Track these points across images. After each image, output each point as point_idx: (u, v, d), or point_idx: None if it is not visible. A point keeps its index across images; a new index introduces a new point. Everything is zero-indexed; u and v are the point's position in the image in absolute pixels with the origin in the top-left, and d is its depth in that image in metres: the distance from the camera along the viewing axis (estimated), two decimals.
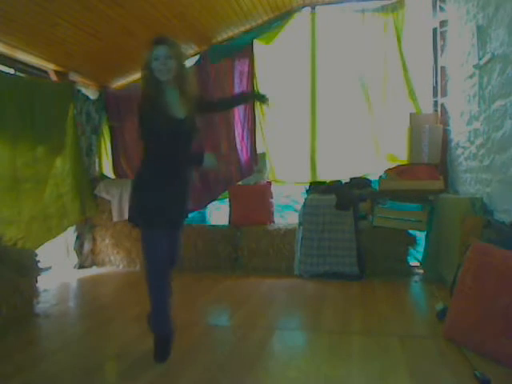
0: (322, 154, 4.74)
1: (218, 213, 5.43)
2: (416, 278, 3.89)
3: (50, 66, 4.32)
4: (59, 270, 4.43)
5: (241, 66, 4.81)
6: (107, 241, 4.67)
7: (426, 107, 4.43)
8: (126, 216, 4.44)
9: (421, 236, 4.12)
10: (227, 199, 4.74)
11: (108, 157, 5.12)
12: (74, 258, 4.55)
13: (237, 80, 4.81)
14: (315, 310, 3.04)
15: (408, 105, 4.40)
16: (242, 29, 4.79)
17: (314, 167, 4.75)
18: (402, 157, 4.38)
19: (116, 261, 4.67)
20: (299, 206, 4.27)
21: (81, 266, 4.56)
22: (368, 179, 4.35)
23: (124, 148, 5.07)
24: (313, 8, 4.70)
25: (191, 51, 4.86)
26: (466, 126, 3.59)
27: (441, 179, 3.97)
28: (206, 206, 4.98)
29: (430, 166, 4.10)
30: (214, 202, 5.00)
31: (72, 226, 4.43)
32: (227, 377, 2.03)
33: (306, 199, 4.11)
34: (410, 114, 4.29)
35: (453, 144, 4.06)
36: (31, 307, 3.00)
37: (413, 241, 3.98)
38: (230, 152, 4.72)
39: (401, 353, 2.24)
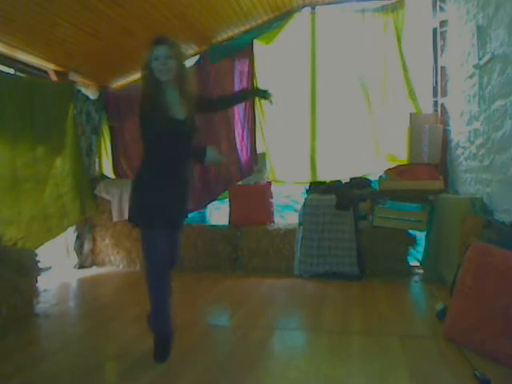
0: (321, 154, 4.74)
1: (217, 213, 5.43)
2: (416, 278, 3.89)
3: (50, 66, 4.32)
4: (59, 270, 4.43)
5: (241, 66, 4.81)
6: (107, 241, 4.67)
7: (426, 107, 4.43)
8: (126, 216, 4.44)
9: (421, 236, 4.12)
10: (227, 199, 4.74)
11: (108, 157, 5.12)
12: (74, 258, 4.55)
13: (237, 80, 4.81)
14: (315, 310, 3.04)
15: (408, 105, 4.41)
16: (242, 29, 4.79)
17: (314, 167, 4.75)
18: (402, 157, 4.38)
19: (116, 261, 4.67)
20: (299, 206, 4.27)
21: (81, 266, 4.56)
22: (368, 179, 4.35)
23: (124, 148, 5.07)
24: (313, 8, 4.70)
25: (191, 51, 4.86)
26: (466, 126, 3.59)
27: (441, 179, 3.97)
28: (205, 206, 4.98)
29: (430, 166, 4.10)
30: (214, 202, 5.00)
31: (72, 225, 4.43)
32: (227, 377, 2.03)
33: (305, 199, 4.11)
34: (410, 114, 4.29)
35: (453, 144, 4.06)
36: (31, 307, 3.00)
37: (413, 241, 3.98)
38: (230, 152, 4.72)
39: (401, 353, 2.24)
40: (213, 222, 5.23)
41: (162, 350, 2.21)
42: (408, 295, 3.57)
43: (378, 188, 4.12)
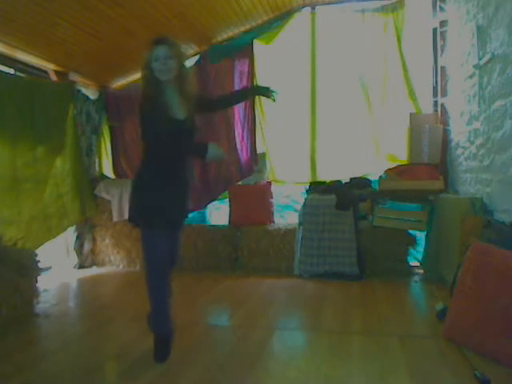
0: (321, 154, 4.74)
1: (218, 213, 5.43)
2: (416, 278, 3.89)
3: (50, 66, 4.32)
4: (59, 270, 4.43)
5: (241, 66, 4.81)
6: (107, 241, 4.67)
7: (426, 107, 4.43)
8: (126, 216, 4.44)
9: (421, 236, 4.12)
10: (227, 199, 4.74)
11: (108, 157, 5.12)
12: (74, 258, 4.55)
13: (237, 80, 4.81)
14: (315, 310, 3.04)
15: (408, 105, 4.41)
16: (242, 29, 4.79)
17: (314, 167, 4.75)
18: (402, 157, 4.38)
19: (116, 261, 4.67)
20: (299, 206, 4.27)
21: (81, 266, 4.56)
22: (368, 179, 4.35)
23: (124, 148, 5.07)
24: (313, 8, 4.70)
25: (191, 51, 4.86)
26: (466, 126, 3.59)
27: (441, 179, 3.97)
28: (206, 205, 4.98)
29: (430, 166, 4.10)
30: (214, 202, 5.00)
31: (72, 225, 4.43)
32: (227, 377, 2.03)
33: (305, 199, 4.11)
34: (410, 114, 4.29)
35: (453, 144, 4.06)
36: (31, 307, 3.00)
37: (413, 241, 3.98)
38: (230, 152, 4.72)
39: (401, 353, 2.24)
40: (213, 222, 5.22)
41: (161, 350, 2.21)
42: (408, 295, 3.57)
43: (377, 188, 4.12)
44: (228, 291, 3.67)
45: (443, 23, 4.22)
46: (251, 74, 4.79)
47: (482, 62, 3.12)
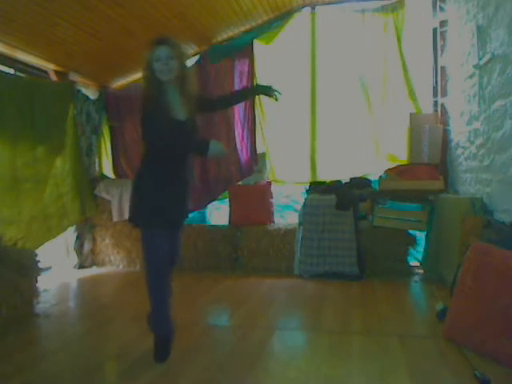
0: (322, 154, 4.74)
1: (218, 213, 5.43)
2: (416, 278, 3.89)
3: (50, 66, 4.32)
4: (59, 270, 4.43)
5: (241, 66, 4.81)
6: (107, 241, 4.67)
7: (426, 107, 4.43)
8: (126, 216, 4.47)
9: (421, 236, 4.12)
10: (227, 199, 4.74)
11: (108, 157, 5.12)
12: (74, 258, 4.55)
13: (237, 80, 4.81)
14: (315, 310, 3.04)
15: (408, 105, 4.40)
16: (242, 29, 4.79)
17: (314, 167, 4.75)
18: (402, 157, 4.38)
19: (116, 261, 4.67)
20: (299, 206, 4.27)
21: (81, 266, 4.56)
22: (368, 179, 4.35)
23: (124, 148, 5.07)
24: (313, 8, 4.70)
25: (191, 51, 4.86)
26: (466, 126, 3.59)
27: (441, 179, 3.97)
28: (206, 205, 4.98)
29: (430, 166, 4.10)
30: (214, 202, 5.00)
31: (72, 225, 4.43)
32: (227, 377, 2.03)
33: (305, 199, 4.11)
34: (410, 114, 4.29)
35: (453, 144, 4.06)
36: (31, 307, 3.00)
37: (413, 241, 3.98)
38: (230, 152, 4.72)
39: (401, 353, 2.24)
40: (213, 222, 5.22)
41: (161, 349, 2.21)
42: (408, 295, 3.57)
43: (378, 188, 4.12)
44: (228, 291, 3.67)
45: (443, 23, 4.22)
46: (251, 73, 4.79)
47: (482, 62, 3.12)
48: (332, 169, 4.67)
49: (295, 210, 5.33)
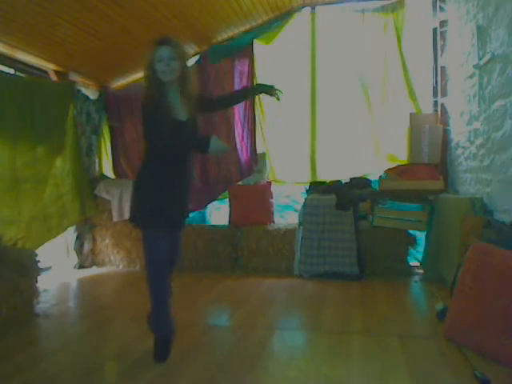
0: (322, 154, 4.74)
1: (218, 213, 5.43)
2: (416, 278, 3.89)
3: (50, 66, 4.32)
4: (59, 269, 4.43)
5: (241, 66, 4.81)
6: (107, 241, 4.67)
7: (426, 107, 4.43)
8: (126, 216, 4.48)
9: (421, 236, 4.12)
10: (227, 199, 4.74)
11: (108, 157, 5.12)
12: (74, 258, 4.55)
13: (237, 80, 4.81)
14: (315, 310, 3.04)
15: (408, 105, 4.40)
16: (242, 29, 4.79)
17: (314, 167, 4.75)
18: (402, 157, 4.38)
19: (116, 261, 4.67)
20: (299, 206, 4.27)
21: (81, 266, 4.56)
22: (368, 179, 4.35)
23: (124, 148, 5.07)
24: (313, 8, 4.70)
25: (191, 51, 4.86)
26: (466, 126, 3.59)
27: (441, 179, 3.97)
28: (206, 205, 4.98)
29: (430, 166, 4.10)
30: (214, 202, 5.00)
31: (72, 226, 4.43)
32: (227, 377, 2.03)
33: (305, 199, 4.11)
34: (410, 114, 4.29)
35: (453, 144, 4.06)
36: (31, 307, 3.00)
37: (413, 241, 3.98)
38: (230, 152, 4.72)
39: (401, 353, 2.24)
40: (213, 222, 5.22)
41: (161, 349, 2.21)
42: (408, 295, 3.57)
43: (378, 188, 4.12)
44: (228, 291, 3.67)
45: (443, 23, 4.22)
46: (251, 73, 4.79)
47: (482, 62, 3.12)
48: (332, 169, 4.67)
49: (295, 210, 5.33)
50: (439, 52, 4.28)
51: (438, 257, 3.68)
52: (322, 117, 4.73)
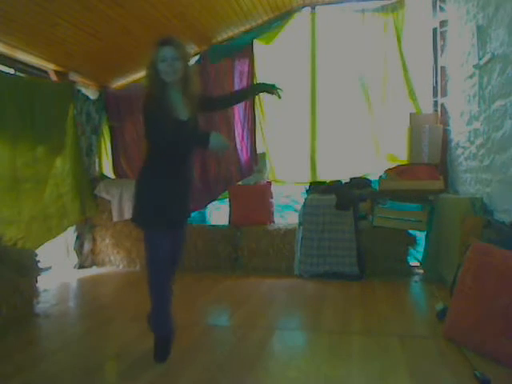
0: (322, 154, 4.74)
1: (218, 213, 5.43)
2: (416, 277, 3.89)
3: (50, 66, 4.32)
4: (59, 270, 4.43)
5: (241, 66, 4.81)
6: (107, 241, 4.67)
7: (426, 107, 4.43)
8: (126, 216, 4.48)
9: (421, 236, 4.12)
10: (227, 199, 4.74)
11: (108, 157, 5.12)
12: (74, 258, 4.54)
13: (237, 80, 4.81)
14: (315, 310, 3.04)
15: (408, 105, 4.40)
16: (242, 29, 4.79)
17: (314, 167, 4.75)
18: (402, 157, 4.38)
19: (116, 261, 4.67)
20: (299, 206, 4.27)
21: (81, 266, 4.56)
22: (368, 179, 4.35)
23: (124, 148, 5.07)
24: (313, 8, 4.70)
25: (191, 51, 4.85)
26: (466, 126, 3.59)
27: (441, 179, 3.97)
28: (206, 205, 4.98)
29: (430, 166, 4.10)
30: (214, 202, 5.00)
31: (72, 226, 4.43)
32: (227, 377, 2.03)
33: (306, 199, 4.11)
34: (410, 114, 4.29)
35: (453, 144, 4.06)
36: (31, 307, 3.00)
37: (413, 241, 3.98)
38: (230, 152, 4.72)
39: (401, 353, 2.25)
40: (213, 222, 5.22)
41: (162, 349, 2.21)
42: (408, 295, 3.57)
43: (377, 188, 4.12)
44: (228, 291, 3.67)
45: (443, 23, 4.22)
46: (251, 73, 4.79)
47: (482, 62, 3.12)
48: (332, 169, 4.67)
49: (295, 210, 5.33)
50: (439, 52, 4.28)
51: (438, 257, 3.68)
52: (322, 117, 4.73)
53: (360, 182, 4.27)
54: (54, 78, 4.40)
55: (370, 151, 4.56)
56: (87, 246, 4.64)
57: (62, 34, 3.76)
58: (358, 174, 4.42)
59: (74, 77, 4.54)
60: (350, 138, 4.63)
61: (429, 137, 4.13)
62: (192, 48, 4.85)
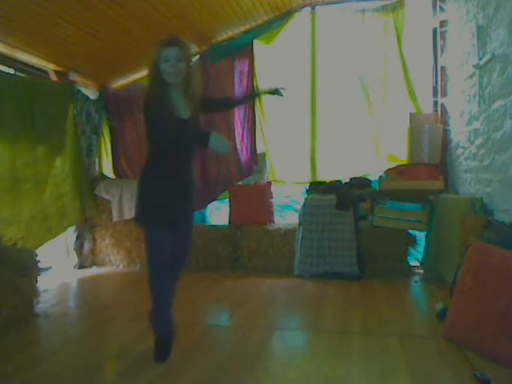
0: (322, 154, 4.74)
1: (218, 213, 5.43)
2: (416, 278, 3.89)
3: (50, 66, 4.32)
4: (59, 269, 4.43)
5: (241, 66, 4.81)
6: (107, 241, 4.67)
7: (426, 107, 4.43)
8: (126, 216, 4.49)
9: (421, 236, 4.12)
10: (227, 199, 4.74)
11: (108, 157, 5.12)
12: (74, 258, 4.54)
13: (237, 80, 4.81)
14: (315, 310, 3.04)
15: (408, 105, 4.41)
16: (242, 29, 4.79)
17: (314, 167, 4.75)
18: (402, 157, 4.39)
19: (116, 261, 4.67)
20: (299, 206, 4.27)
21: (81, 266, 4.55)
22: (368, 179, 4.35)
23: (124, 148, 5.07)
24: (313, 8, 4.70)
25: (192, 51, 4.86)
26: (466, 126, 3.59)
27: (441, 179, 3.97)
28: (206, 206, 4.98)
29: (430, 166, 4.10)
30: (214, 202, 5.00)
31: (72, 226, 4.43)
32: (227, 377, 2.03)
33: (306, 199, 4.11)
34: (410, 114, 4.29)
35: (453, 144, 4.06)
36: (31, 307, 2.99)
37: (413, 241, 3.98)
38: (230, 152, 4.71)
39: (401, 353, 2.25)
40: (213, 222, 5.22)
41: (162, 349, 2.21)
42: (408, 295, 3.57)
43: (378, 188, 4.12)
44: (228, 291, 3.66)
45: (443, 23, 4.22)
46: (251, 73, 4.79)
47: (482, 62, 3.12)
48: (332, 169, 4.67)
49: (295, 210, 5.33)
50: (439, 52, 4.28)
51: (438, 257, 3.68)
52: (322, 117, 4.73)
53: (360, 182, 4.27)
54: (54, 78, 4.40)
55: (369, 151, 4.56)
56: (87, 246, 4.64)
57: (62, 34, 3.76)
58: (357, 174, 4.42)
59: (73, 77, 4.54)
60: (350, 138, 4.63)
61: (429, 137, 4.13)
62: (192, 48, 4.85)
